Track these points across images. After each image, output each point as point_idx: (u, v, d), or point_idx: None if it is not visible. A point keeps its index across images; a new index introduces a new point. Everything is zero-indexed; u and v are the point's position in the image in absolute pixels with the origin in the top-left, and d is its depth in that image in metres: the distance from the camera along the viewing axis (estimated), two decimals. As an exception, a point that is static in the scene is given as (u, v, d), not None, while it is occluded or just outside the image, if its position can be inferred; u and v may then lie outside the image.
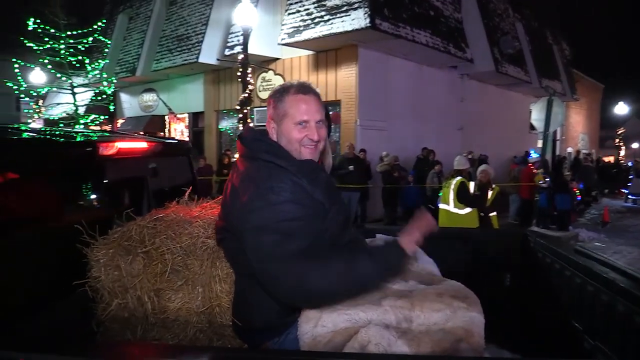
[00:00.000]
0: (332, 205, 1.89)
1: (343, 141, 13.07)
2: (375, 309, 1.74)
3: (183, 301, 2.04)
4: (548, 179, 9.97)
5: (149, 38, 18.47)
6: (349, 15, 11.85)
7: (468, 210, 7.04)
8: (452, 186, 7.17)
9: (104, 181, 2.50)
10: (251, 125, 12.77)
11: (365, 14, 11.52)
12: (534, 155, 10.19)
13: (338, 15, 12.11)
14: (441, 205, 7.39)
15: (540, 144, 10.20)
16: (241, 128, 11.95)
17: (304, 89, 1.96)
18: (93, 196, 2.40)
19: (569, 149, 28.71)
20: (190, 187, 2.81)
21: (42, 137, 2.53)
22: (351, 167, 10.93)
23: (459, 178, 7.16)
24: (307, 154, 1.93)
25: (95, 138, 2.66)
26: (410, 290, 1.91)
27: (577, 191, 12.19)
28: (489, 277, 2.99)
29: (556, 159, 13.33)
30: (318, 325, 1.71)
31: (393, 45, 12.95)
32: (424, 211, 1.91)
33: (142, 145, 2.84)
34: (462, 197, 7.03)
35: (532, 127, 10.51)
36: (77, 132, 2.88)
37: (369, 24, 11.39)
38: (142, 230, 2.13)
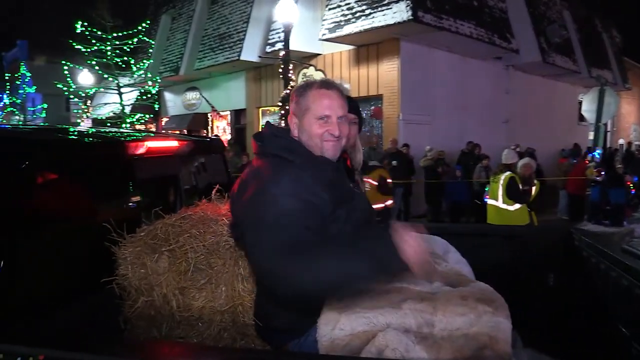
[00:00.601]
0: (341, 204, 1.85)
1: (386, 136, 12.94)
2: (395, 312, 1.69)
3: (207, 300, 2.05)
4: (603, 172, 9.56)
5: (191, 37, 18.76)
6: (391, 8, 11.69)
7: (518, 206, 6.83)
8: (501, 181, 6.96)
9: (133, 180, 2.52)
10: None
11: (407, 6, 11.33)
12: (597, 154, 9.57)
13: (379, 8, 11.97)
14: (489, 201, 7.20)
15: (591, 135, 9.81)
16: (283, 124, 11.98)
17: (327, 84, 1.96)
18: (121, 195, 2.43)
19: (621, 141, 27.54)
20: (219, 185, 2.79)
21: (72, 137, 2.57)
22: (394, 162, 10.82)
23: (508, 173, 6.95)
24: (329, 147, 1.92)
25: (124, 138, 2.68)
26: (433, 292, 1.85)
27: (631, 185, 11.66)
28: (529, 277, 2.85)
29: (607, 152, 12.80)
30: (336, 327, 1.68)
31: (436, 38, 12.72)
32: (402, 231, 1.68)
33: (173, 144, 2.85)
34: (512, 192, 6.82)
35: (582, 119, 10.11)
36: (106, 132, 2.92)
37: (411, 17, 11.20)
38: (167, 228, 2.15)
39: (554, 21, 17.45)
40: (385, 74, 13.21)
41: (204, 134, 18.84)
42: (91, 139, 2.63)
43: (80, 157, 2.27)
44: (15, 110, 30.82)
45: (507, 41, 14.62)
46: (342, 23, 12.73)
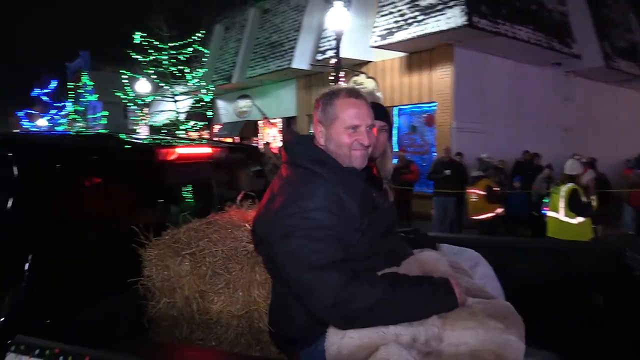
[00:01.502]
0: (368, 214, 1.85)
1: (439, 144, 12.65)
2: (407, 324, 1.63)
3: (224, 304, 2.07)
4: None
5: (244, 46, 19.10)
6: (444, 14, 11.44)
7: (580, 219, 6.45)
8: (563, 193, 6.60)
9: (163, 185, 2.58)
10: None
11: (461, 11, 11.06)
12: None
13: (432, 14, 11.74)
14: (549, 213, 6.84)
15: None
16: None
17: (355, 93, 1.94)
18: (151, 199, 2.48)
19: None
20: (255, 192, 2.78)
21: (105, 143, 2.66)
22: (447, 172, 10.52)
23: (570, 184, 6.57)
24: (357, 156, 1.91)
25: (155, 144, 2.76)
26: None
27: None
28: (571, 296, 2.64)
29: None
30: (346, 336, 1.63)
31: (491, 43, 12.33)
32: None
33: (205, 150, 2.90)
34: (575, 205, 6.44)
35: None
36: (139, 139, 2.98)
37: (465, 22, 10.91)
38: (190, 232, 2.18)
39: (618, 24, 16.61)
40: (438, 81, 12.93)
41: (255, 142, 19.07)
42: (123, 145, 2.71)
43: (111, 162, 2.35)
44: (78, 117, 32.28)
45: (567, 46, 14.01)
46: (394, 30, 12.57)
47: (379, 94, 2.60)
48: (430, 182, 11.21)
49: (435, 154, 12.95)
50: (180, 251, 2.12)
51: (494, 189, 6.31)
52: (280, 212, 1.75)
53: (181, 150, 2.64)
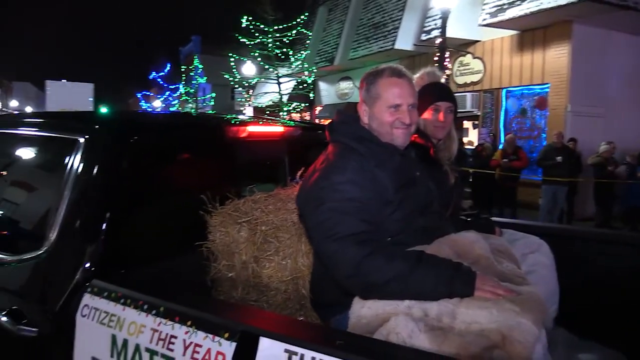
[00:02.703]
0: (402, 189, 1.90)
1: (550, 129, 11.84)
2: None
3: (274, 270, 2.21)
4: None
5: (346, 28, 19.04)
6: (563, -13, 10.56)
7: None
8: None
9: (233, 160, 2.79)
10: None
11: (583, -16, 10.16)
12: None
13: (550, -12, 10.89)
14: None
15: None
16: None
17: (398, 72, 1.98)
18: (220, 172, 2.69)
19: None
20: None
21: (182, 120, 2.92)
22: (559, 158, 9.80)
23: None
24: (399, 135, 1.96)
25: (228, 122, 2.94)
26: None
27: None
28: None
29: None
30: (365, 306, 1.70)
31: (617, 19, 11.19)
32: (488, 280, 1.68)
33: (278, 129, 3.04)
34: None
35: None
36: (214, 118, 3.21)
37: (588, -4, 10.01)
38: (249, 204, 2.34)
39: None
40: (552, 61, 12.05)
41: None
42: (197, 123, 2.97)
43: (184, 137, 2.58)
44: (188, 98, 34.25)
45: None
46: (506, 6, 11.85)
47: (439, 74, 2.57)
48: (539, 170, 10.53)
49: (546, 139, 12.14)
50: (238, 219, 2.28)
51: None
52: (314, 185, 1.86)
53: (252, 129, 2.79)
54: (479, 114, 14.49)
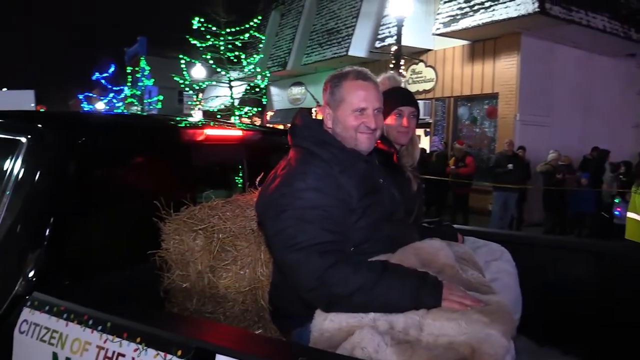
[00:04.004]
0: (367, 196, 1.84)
1: (500, 137, 12.17)
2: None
3: (232, 280, 2.14)
4: None
5: (299, 33, 18.99)
6: (514, 0, 10.89)
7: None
8: (647, 193, 6.12)
9: (189, 164, 2.67)
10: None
11: (532, -2, 10.50)
12: None
13: (501, 1, 11.22)
14: (630, 215, 6.32)
15: None
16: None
17: (363, 75, 1.91)
18: (175, 177, 2.56)
19: None
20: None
21: (135, 123, 2.84)
22: (510, 166, 10.05)
23: (655, 184, 6.08)
24: (364, 140, 1.89)
25: (182, 125, 2.83)
26: None
27: None
28: (619, 303, 2.40)
29: None
30: (327, 319, 1.63)
31: (563, 32, 11.68)
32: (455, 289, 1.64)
33: (236, 133, 2.98)
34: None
35: None
36: (170, 120, 3.10)
37: (537, 9, 10.37)
38: (205, 210, 2.25)
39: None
40: (502, 71, 12.41)
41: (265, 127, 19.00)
42: (151, 125, 2.88)
43: (139, 141, 2.46)
44: (134, 101, 33.16)
45: (644, 36, 13.13)
46: (459, 17, 12.12)
47: (400, 79, 2.52)
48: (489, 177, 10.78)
49: (496, 147, 12.47)
50: (193, 227, 2.19)
51: None
52: (275, 192, 1.77)
53: (210, 132, 2.67)
54: (430, 121, 14.73)
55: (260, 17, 20.33)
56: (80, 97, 42.94)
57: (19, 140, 2.04)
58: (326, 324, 1.62)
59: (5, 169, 2.00)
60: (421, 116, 14.18)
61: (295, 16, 19.84)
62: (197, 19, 18.48)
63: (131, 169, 2.39)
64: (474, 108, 13.73)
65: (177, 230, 2.20)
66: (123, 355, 1.45)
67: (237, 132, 2.99)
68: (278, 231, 1.72)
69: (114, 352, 1.47)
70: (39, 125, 2.15)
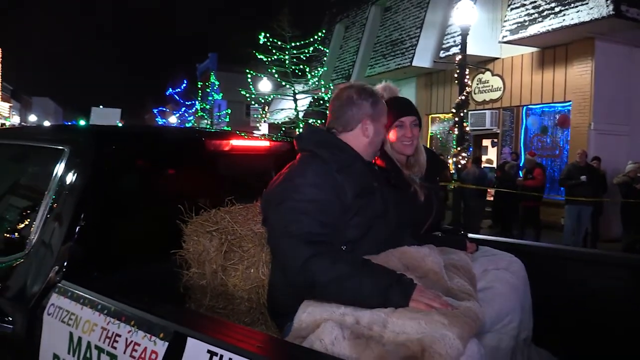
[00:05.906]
0: (361, 196, 1.93)
1: (573, 147, 11.57)
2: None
3: (239, 279, 2.27)
4: None
5: (363, 45, 19.06)
6: (587, 3, 10.40)
7: None
8: None
9: (213, 172, 2.87)
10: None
11: (606, 0, 9.97)
12: None
13: (572, 4, 10.74)
14: None
15: None
16: (456, 132, 11.42)
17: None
18: (199, 183, 2.77)
19: None
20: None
21: (163, 133, 3.14)
22: (583, 178, 9.53)
23: None
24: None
25: (207, 136, 3.02)
26: None
27: None
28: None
29: None
30: (306, 312, 1.72)
31: (641, 36, 11.01)
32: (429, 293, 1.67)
33: (264, 144, 3.14)
34: None
35: None
36: (198, 131, 3.32)
37: (612, 12, 9.84)
38: (221, 214, 2.43)
39: None
40: (574, 78, 11.83)
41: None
42: (175, 136, 3.15)
43: (163, 150, 2.70)
44: (204, 115, 34.42)
45: None
46: (527, 23, 11.71)
47: (395, 88, 2.53)
48: (562, 189, 10.28)
49: (568, 158, 11.88)
50: (208, 228, 2.37)
51: None
52: (277, 187, 1.95)
53: (235, 142, 2.89)
54: (498, 131, 14.27)
55: (324, 31, 20.60)
56: (155, 111, 45.21)
57: (63, 149, 2.33)
58: (304, 316, 1.72)
59: (51, 173, 2.29)
60: (488, 126, 13.99)
61: (359, 28, 19.95)
62: (263, 34, 19.00)
63: (155, 175, 2.64)
64: (545, 117, 13.18)
65: (195, 232, 2.38)
66: (119, 336, 1.68)
67: (265, 143, 3.15)
68: (275, 220, 1.89)
69: (113, 332, 1.70)
70: (79, 137, 2.52)
